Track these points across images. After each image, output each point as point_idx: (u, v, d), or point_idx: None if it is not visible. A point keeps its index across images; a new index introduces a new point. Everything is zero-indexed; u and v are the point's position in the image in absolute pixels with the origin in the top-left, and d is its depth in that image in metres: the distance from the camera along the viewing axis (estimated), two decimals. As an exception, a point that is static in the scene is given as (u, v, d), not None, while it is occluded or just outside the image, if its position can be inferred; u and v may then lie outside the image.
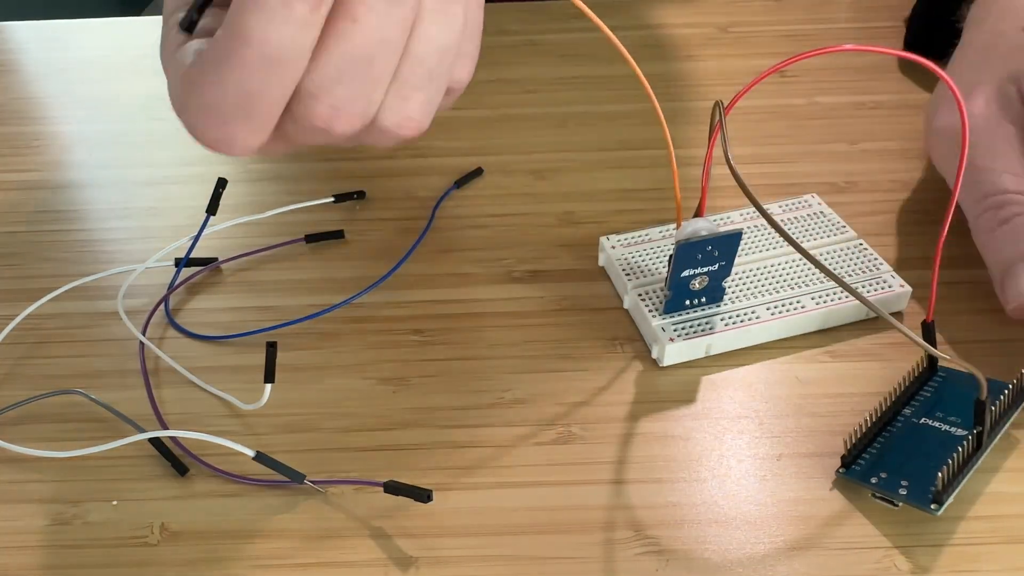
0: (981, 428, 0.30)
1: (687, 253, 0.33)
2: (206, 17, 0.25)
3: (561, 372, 0.35)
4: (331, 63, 0.23)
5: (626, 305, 0.37)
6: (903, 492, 0.29)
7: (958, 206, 0.36)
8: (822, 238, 0.39)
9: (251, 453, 0.31)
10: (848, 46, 0.29)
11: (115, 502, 0.31)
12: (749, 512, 0.30)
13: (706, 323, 0.35)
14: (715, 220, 0.39)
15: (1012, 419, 0.31)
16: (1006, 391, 0.31)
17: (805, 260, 0.33)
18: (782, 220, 0.40)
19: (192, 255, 0.40)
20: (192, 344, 0.37)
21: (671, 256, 0.34)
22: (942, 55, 0.40)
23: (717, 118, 0.31)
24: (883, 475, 0.30)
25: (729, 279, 0.36)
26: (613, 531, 0.30)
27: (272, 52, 0.22)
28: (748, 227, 0.39)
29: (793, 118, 0.48)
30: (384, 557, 0.29)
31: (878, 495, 0.30)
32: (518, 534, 0.30)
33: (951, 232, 0.31)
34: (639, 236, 0.39)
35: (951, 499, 0.29)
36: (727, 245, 0.34)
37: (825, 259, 0.38)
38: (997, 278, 0.34)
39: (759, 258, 0.38)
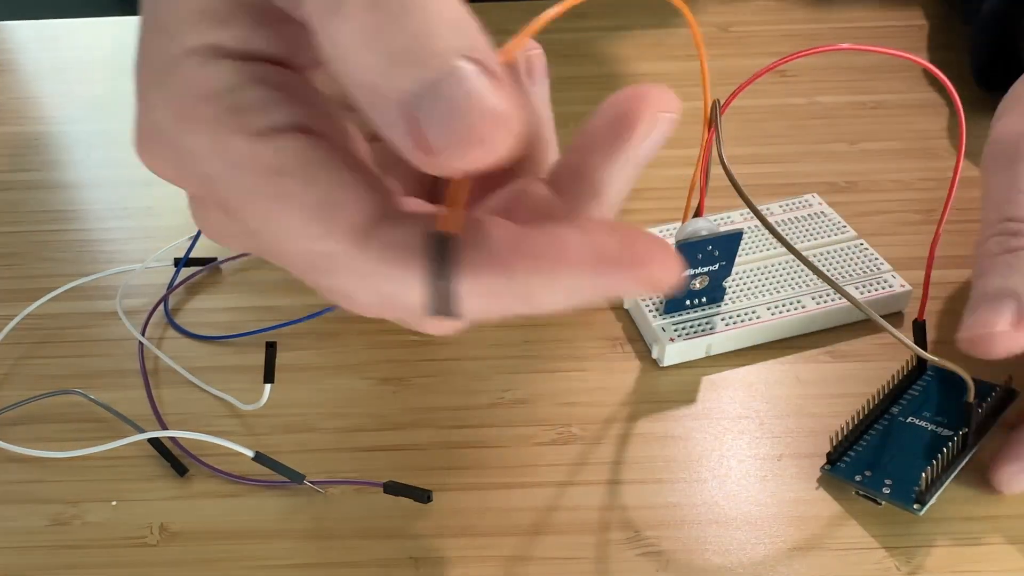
0: (967, 429, 0.30)
1: (687, 253, 0.33)
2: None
3: (561, 372, 0.35)
4: None
5: (626, 305, 0.37)
6: (886, 491, 0.29)
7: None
8: (822, 238, 0.39)
9: (250, 453, 0.31)
10: (845, 45, 0.29)
11: (114, 502, 0.31)
12: (750, 512, 0.30)
13: (706, 323, 0.35)
14: (715, 220, 0.39)
15: (999, 421, 0.31)
16: (993, 393, 0.31)
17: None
18: (783, 220, 0.40)
19: (191, 255, 0.40)
20: (191, 344, 0.37)
21: (671, 256, 0.34)
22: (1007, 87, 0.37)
23: (713, 117, 0.31)
24: (867, 473, 0.30)
25: (729, 279, 0.36)
26: (613, 531, 0.30)
27: None
28: (748, 227, 0.39)
29: (793, 118, 0.48)
30: (384, 557, 0.29)
31: (861, 493, 0.30)
32: (518, 534, 0.30)
33: (951, 232, 0.30)
34: (639, 236, 0.39)
35: (934, 499, 0.29)
36: (727, 245, 0.34)
37: (825, 259, 0.38)
38: (973, 302, 0.31)
39: (759, 258, 0.38)
